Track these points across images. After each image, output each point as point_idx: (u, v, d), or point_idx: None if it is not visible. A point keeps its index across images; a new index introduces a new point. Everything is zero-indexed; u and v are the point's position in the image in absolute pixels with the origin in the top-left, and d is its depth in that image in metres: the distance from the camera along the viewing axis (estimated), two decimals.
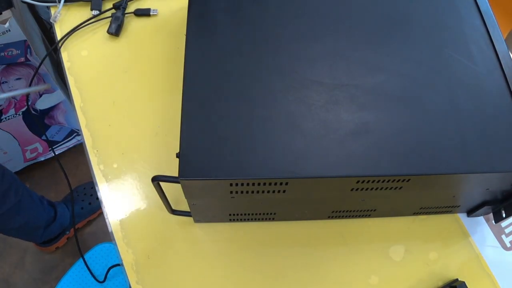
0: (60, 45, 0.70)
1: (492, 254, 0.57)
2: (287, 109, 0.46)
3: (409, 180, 0.45)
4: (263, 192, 0.45)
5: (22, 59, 1.26)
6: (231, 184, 0.43)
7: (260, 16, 0.53)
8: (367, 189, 0.47)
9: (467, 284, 0.53)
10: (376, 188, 0.47)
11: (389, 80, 0.49)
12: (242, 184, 0.43)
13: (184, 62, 0.48)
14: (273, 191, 0.45)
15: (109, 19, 0.71)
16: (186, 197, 0.47)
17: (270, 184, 0.44)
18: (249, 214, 0.54)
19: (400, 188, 0.47)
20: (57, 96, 1.23)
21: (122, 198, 0.58)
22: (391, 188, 0.47)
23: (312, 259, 0.55)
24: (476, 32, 0.55)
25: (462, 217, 0.60)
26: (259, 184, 0.43)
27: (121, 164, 0.60)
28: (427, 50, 0.52)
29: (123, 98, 0.65)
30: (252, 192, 0.45)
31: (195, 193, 0.46)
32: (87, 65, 0.68)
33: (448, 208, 0.57)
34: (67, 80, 0.67)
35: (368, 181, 0.45)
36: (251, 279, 0.54)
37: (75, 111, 0.65)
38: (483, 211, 0.57)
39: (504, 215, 0.54)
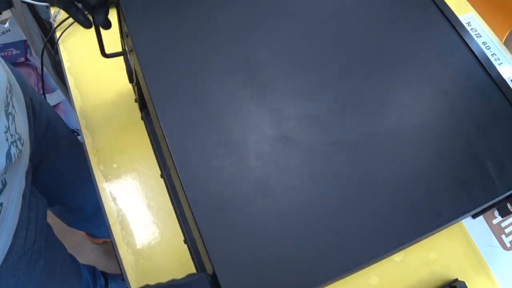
0: (57, 39, 0.70)
1: (492, 254, 0.57)
2: (311, 194, 0.39)
3: None
4: None
5: (22, 59, 1.27)
6: None
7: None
8: None
9: (467, 284, 0.53)
10: None
11: (399, 121, 0.44)
12: None
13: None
14: None
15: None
16: None
17: None
18: None
19: None
20: (57, 96, 1.23)
21: (122, 198, 0.58)
22: None
23: None
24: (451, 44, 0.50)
25: None
26: None
27: (121, 164, 0.60)
28: (419, 74, 0.48)
29: (123, 98, 0.65)
30: None
31: None
32: (87, 65, 0.68)
33: None
34: (67, 80, 0.67)
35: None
36: None
37: (75, 111, 0.65)
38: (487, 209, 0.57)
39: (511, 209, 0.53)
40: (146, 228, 0.56)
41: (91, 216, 1.00)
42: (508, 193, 0.44)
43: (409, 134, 0.44)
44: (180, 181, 0.38)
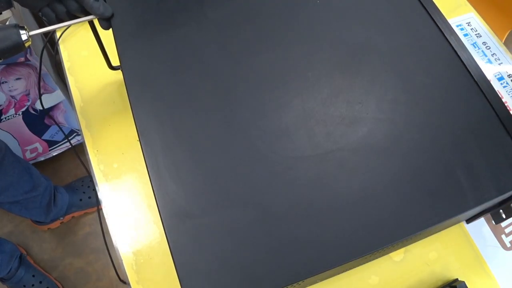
0: (57, 40, 0.70)
1: (492, 254, 0.57)
2: (281, 202, 0.41)
3: None
4: None
5: (22, 59, 1.27)
6: None
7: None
8: None
9: (467, 284, 0.53)
10: None
11: (371, 132, 0.45)
12: None
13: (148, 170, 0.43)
14: None
15: None
16: None
17: None
18: None
19: None
20: (57, 96, 1.23)
21: (122, 198, 0.58)
22: None
23: None
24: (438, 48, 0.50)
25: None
26: None
27: (121, 164, 0.60)
28: (396, 82, 0.47)
29: (123, 98, 0.65)
30: None
31: None
32: (87, 65, 0.68)
33: None
34: (67, 80, 0.67)
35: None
36: None
37: (75, 111, 0.65)
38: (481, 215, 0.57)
39: (504, 216, 0.54)
40: (146, 228, 0.56)
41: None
42: (498, 199, 0.44)
43: (384, 144, 0.44)
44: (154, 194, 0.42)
